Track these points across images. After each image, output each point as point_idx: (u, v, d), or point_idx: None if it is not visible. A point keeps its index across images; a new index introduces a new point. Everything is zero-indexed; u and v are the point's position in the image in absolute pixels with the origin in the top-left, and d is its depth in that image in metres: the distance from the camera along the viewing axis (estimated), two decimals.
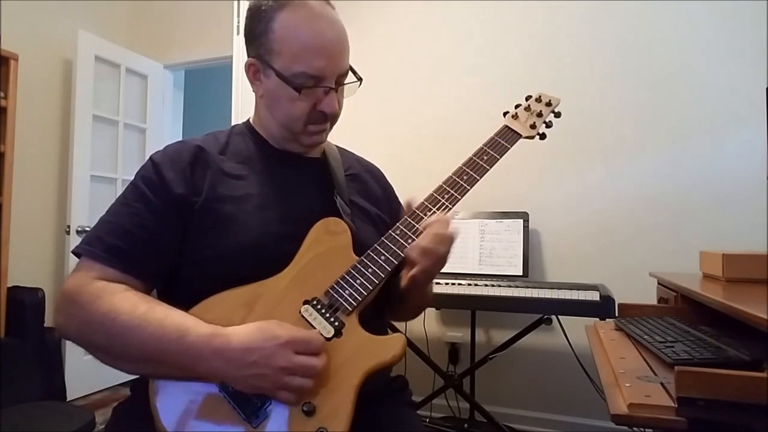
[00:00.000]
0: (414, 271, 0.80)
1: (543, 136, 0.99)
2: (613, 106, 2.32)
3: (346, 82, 0.89)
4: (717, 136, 2.17)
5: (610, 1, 2.34)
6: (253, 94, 0.95)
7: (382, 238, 0.83)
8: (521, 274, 2.17)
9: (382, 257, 0.81)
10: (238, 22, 2.54)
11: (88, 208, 2.80)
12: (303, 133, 0.89)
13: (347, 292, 0.78)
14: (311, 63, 0.82)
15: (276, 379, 0.68)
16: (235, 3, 2.54)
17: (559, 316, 2.10)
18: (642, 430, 0.94)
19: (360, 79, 0.90)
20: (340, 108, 0.90)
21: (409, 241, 0.82)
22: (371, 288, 0.78)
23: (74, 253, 0.80)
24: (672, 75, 2.24)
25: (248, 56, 0.89)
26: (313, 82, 0.84)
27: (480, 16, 2.57)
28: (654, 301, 1.47)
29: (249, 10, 0.90)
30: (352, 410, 0.69)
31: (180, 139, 0.95)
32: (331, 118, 0.90)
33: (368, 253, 0.82)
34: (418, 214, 0.86)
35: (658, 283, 1.48)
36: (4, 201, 2.39)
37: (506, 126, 0.97)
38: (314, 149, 0.97)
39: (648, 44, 2.28)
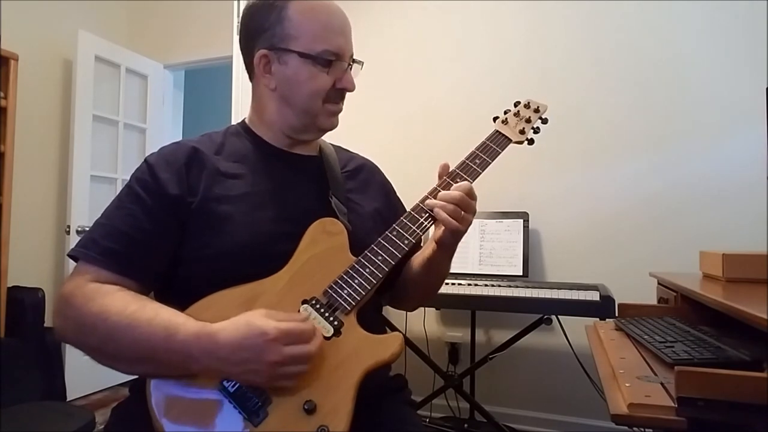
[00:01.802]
0: (440, 233, 0.83)
1: (531, 142, 1.01)
2: (613, 105, 2.32)
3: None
4: (717, 135, 2.17)
5: (613, 0, 2.34)
6: (252, 94, 0.95)
7: (379, 239, 0.84)
8: (521, 274, 2.17)
9: (380, 257, 0.81)
10: (239, 22, 2.54)
11: (88, 208, 2.80)
12: (321, 113, 0.91)
13: (346, 291, 0.78)
14: (332, 41, 0.87)
15: (271, 372, 0.68)
16: (235, 3, 2.54)
17: (559, 316, 2.09)
18: (642, 430, 0.94)
19: (361, 62, 0.94)
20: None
21: (406, 241, 0.83)
22: (369, 288, 0.79)
23: (70, 256, 0.80)
24: (672, 75, 2.24)
25: (255, 51, 0.89)
26: (334, 59, 0.88)
27: (471, 11, 2.57)
28: (654, 301, 1.47)
29: (251, 7, 0.91)
30: (353, 408, 0.70)
31: (180, 139, 0.95)
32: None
33: (366, 254, 0.82)
34: (414, 215, 0.86)
35: (658, 283, 1.48)
36: (4, 201, 2.39)
37: (497, 131, 0.99)
38: (311, 147, 0.98)
39: (647, 44, 2.28)
